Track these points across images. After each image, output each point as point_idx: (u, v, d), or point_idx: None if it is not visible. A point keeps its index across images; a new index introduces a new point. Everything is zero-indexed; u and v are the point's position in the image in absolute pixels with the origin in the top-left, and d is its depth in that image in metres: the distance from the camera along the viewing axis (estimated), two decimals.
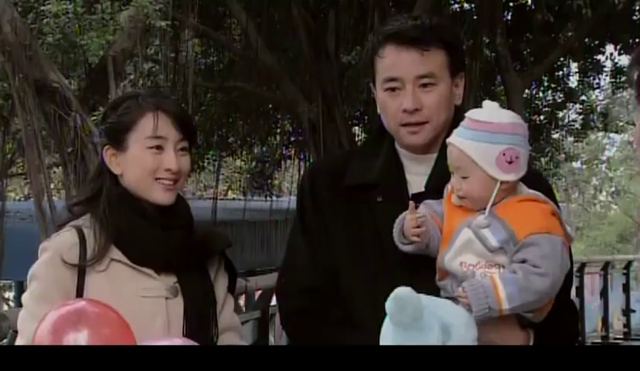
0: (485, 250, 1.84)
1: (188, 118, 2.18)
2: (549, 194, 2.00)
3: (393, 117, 2.03)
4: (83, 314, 1.73)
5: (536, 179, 2.02)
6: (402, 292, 1.74)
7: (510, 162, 1.85)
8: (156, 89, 8.27)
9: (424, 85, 2.01)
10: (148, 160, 2.07)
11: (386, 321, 1.78)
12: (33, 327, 1.87)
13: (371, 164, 2.08)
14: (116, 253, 2.06)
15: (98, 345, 1.66)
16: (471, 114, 1.90)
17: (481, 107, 1.95)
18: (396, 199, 1.99)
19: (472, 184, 1.86)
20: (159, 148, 2.07)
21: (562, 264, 1.83)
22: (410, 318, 1.73)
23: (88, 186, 2.18)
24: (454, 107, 2.06)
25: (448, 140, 1.90)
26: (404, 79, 2.01)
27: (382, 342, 1.77)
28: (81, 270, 2.04)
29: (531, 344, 1.89)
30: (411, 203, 1.93)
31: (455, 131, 1.90)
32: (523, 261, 1.81)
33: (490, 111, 1.90)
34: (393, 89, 2.03)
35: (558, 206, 1.99)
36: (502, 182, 1.85)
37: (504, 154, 1.84)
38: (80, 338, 1.68)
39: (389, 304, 1.74)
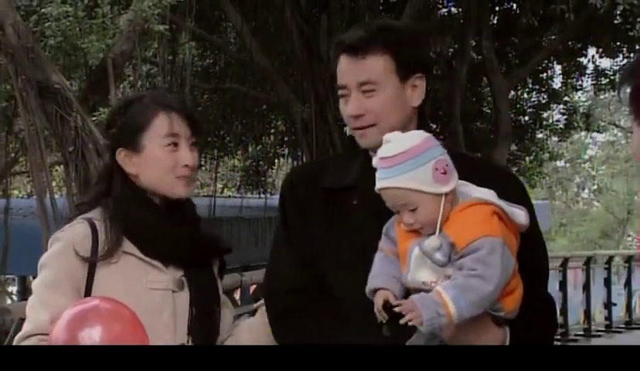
0: (435, 265, 1.84)
1: (195, 115, 2.22)
2: (520, 193, 2.04)
3: (347, 123, 2.07)
4: (96, 312, 1.80)
5: (507, 180, 2.06)
6: None
7: (444, 173, 1.84)
8: (160, 89, 8.36)
9: (365, 91, 2.00)
10: (165, 158, 2.10)
11: None
12: (41, 314, 2.00)
13: (348, 167, 2.08)
14: (127, 246, 2.08)
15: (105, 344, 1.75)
16: (382, 153, 1.86)
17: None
18: (370, 202, 1.94)
19: (423, 211, 1.83)
20: (175, 145, 2.11)
21: (502, 264, 1.80)
22: None
23: (96, 186, 2.20)
24: (410, 108, 2.03)
25: (377, 188, 1.87)
26: (349, 86, 2.02)
27: None
28: (92, 262, 2.05)
29: (507, 341, 1.89)
30: (387, 296, 1.88)
31: (378, 179, 1.86)
32: (461, 269, 1.81)
33: (398, 142, 1.86)
34: (342, 96, 2.04)
35: (530, 205, 1.98)
36: (446, 195, 1.84)
37: (436, 169, 1.84)
38: (93, 335, 1.76)
39: None
